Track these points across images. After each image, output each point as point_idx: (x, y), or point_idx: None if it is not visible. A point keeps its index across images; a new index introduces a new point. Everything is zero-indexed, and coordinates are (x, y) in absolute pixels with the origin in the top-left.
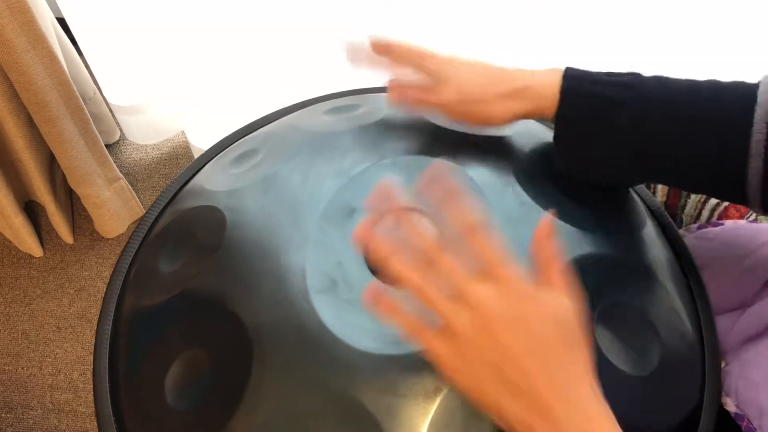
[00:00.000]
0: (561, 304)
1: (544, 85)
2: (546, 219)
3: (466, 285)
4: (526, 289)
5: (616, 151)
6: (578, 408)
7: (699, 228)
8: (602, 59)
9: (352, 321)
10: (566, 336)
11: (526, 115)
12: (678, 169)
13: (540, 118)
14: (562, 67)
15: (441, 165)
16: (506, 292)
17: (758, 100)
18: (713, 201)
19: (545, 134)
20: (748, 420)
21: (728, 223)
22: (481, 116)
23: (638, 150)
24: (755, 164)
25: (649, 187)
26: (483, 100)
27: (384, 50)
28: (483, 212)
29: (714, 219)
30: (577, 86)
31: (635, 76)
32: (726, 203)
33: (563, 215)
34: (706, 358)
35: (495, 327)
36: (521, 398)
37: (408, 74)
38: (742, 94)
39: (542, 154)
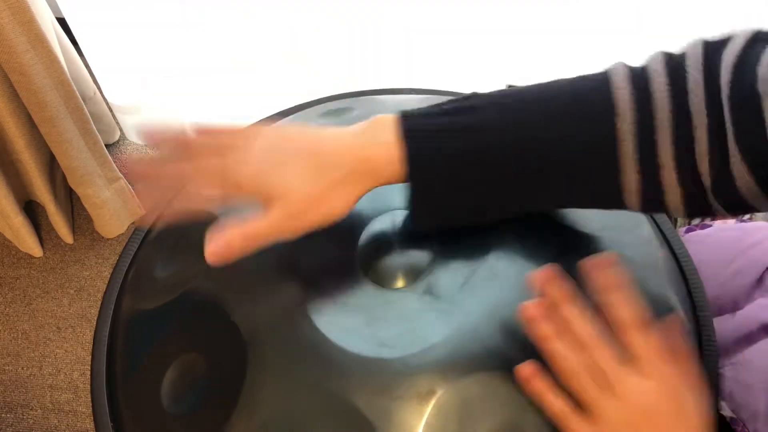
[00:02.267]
0: (700, 407)
1: (379, 153)
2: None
3: (619, 373)
4: (679, 390)
5: (481, 195)
6: None
7: (687, 231)
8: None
9: (346, 324)
10: (685, 418)
11: (373, 188)
12: (550, 194)
13: (389, 183)
14: (390, 119)
15: (606, 258)
16: (661, 389)
17: (619, 110)
18: None
19: None
20: (743, 423)
21: (717, 224)
22: (320, 217)
23: (502, 188)
24: (629, 179)
25: None
26: (315, 204)
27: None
28: (642, 309)
29: (708, 218)
30: (420, 141)
31: (473, 106)
32: None
33: (561, 216)
34: (704, 360)
35: (640, 421)
36: None
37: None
38: (602, 104)
39: None
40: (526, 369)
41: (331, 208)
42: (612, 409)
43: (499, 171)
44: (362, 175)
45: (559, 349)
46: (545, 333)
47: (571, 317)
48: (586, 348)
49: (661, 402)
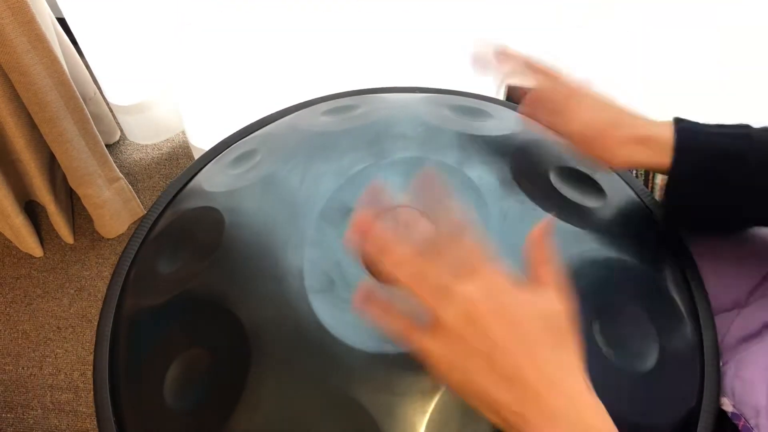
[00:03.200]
0: (549, 300)
1: (661, 136)
2: (545, 221)
3: (452, 281)
4: (511, 285)
5: (732, 203)
6: (569, 398)
7: None
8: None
9: (349, 320)
10: (554, 330)
11: (642, 165)
12: None
13: (653, 169)
14: (671, 120)
15: (433, 168)
16: (491, 287)
17: None
18: None
19: (542, 132)
20: (745, 419)
21: None
22: (602, 156)
23: (754, 201)
24: None
25: (647, 185)
26: (605, 142)
27: (512, 60)
28: (471, 214)
29: None
30: (692, 141)
31: (746, 128)
32: None
33: (564, 215)
34: (705, 359)
35: (482, 319)
36: (512, 388)
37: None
38: None
39: (542, 155)
40: (359, 295)
41: (611, 154)
42: (453, 314)
43: (753, 184)
44: (644, 146)
45: (389, 261)
46: (374, 247)
47: (401, 231)
48: (421, 259)
49: (498, 299)
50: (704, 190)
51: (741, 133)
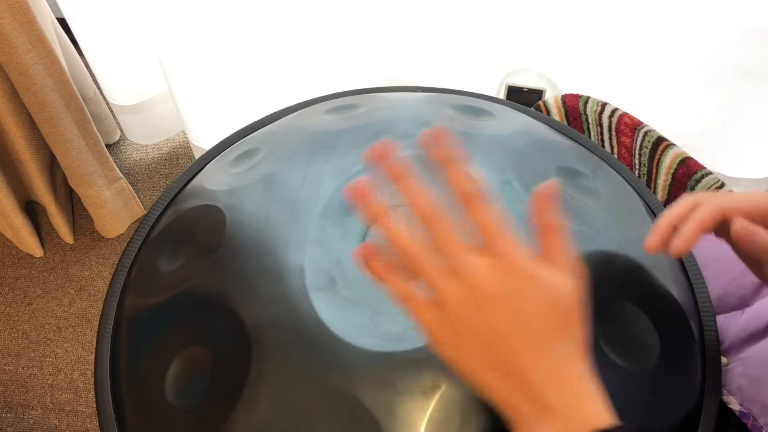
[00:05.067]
0: (558, 282)
1: None
2: (549, 183)
3: (460, 255)
4: (523, 265)
5: None
6: (566, 389)
7: None
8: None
9: (350, 318)
10: (560, 315)
11: None
12: None
13: None
14: None
15: (443, 128)
16: (502, 266)
17: None
18: None
19: (545, 132)
20: (754, 418)
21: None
22: None
23: None
24: None
25: (649, 185)
26: None
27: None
28: (482, 183)
29: None
30: None
31: None
32: None
33: (564, 213)
34: (706, 357)
35: (485, 303)
36: (507, 378)
37: None
38: None
39: (544, 154)
40: (363, 249)
41: None
42: (456, 293)
43: None
44: None
45: (391, 226)
46: (376, 210)
47: (407, 193)
48: (428, 227)
49: (505, 282)
50: None
51: None
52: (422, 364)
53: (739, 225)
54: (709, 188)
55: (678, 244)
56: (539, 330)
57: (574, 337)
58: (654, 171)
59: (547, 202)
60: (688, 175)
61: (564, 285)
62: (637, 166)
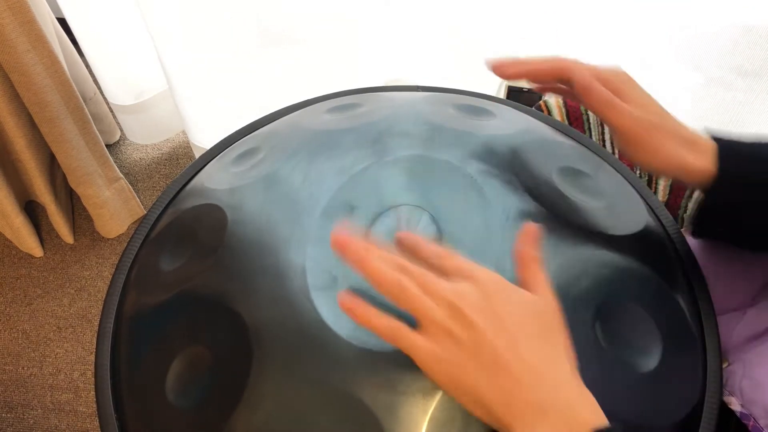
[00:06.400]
0: (536, 298)
1: (703, 141)
2: (531, 225)
3: (439, 283)
4: (500, 284)
5: (763, 227)
6: (555, 388)
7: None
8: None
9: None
10: (541, 323)
11: (683, 173)
12: None
13: (690, 182)
14: (708, 134)
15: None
16: (484, 285)
17: None
18: None
19: (546, 132)
20: (755, 419)
21: None
22: (647, 153)
23: None
24: None
25: (649, 185)
26: (652, 140)
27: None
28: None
29: None
30: (735, 164)
31: None
32: None
33: (565, 213)
34: (708, 358)
35: (468, 311)
36: (497, 379)
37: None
38: None
39: (545, 154)
40: (345, 299)
41: (663, 149)
42: (441, 313)
43: None
44: (693, 151)
45: (372, 268)
46: (357, 251)
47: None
48: (407, 264)
49: (486, 296)
50: (742, 212)
51: None
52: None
53: (579, 76)
54: None
55: (506, 66)
56: (522, 333)
57: (558, 343)
58: None
59: (527, 242)
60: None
61: (540, 301)
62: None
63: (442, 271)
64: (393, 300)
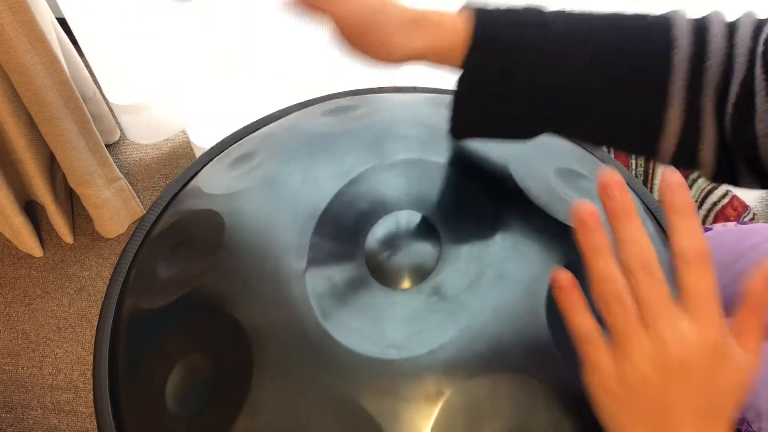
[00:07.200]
0: (744, 367)
1: (447, 17)
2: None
3: (663, 311)
4: (721, 342)
5: (526, 101)
6: None
7: None
8: None
9: (352, 324)
10: (733, 401)
11: (427, 54)
12: (591, 117)
13: (443, 61)
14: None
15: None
16: (701, 338)
17: (677, 43)
18: (710, 201)
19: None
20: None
21: (717, 227)
22: (375, 48)
23: (550, 99)
24: (673, 115)
25: (646, 185)
26: (375, 31)
27: None
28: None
29: (711, 218)
30: (490, 25)
31: (541, 15)
32: (723, 203)
33: (563, 212)
34: None
35: (671, 368)
36: None
37: None
38: (662, 36)
39: (541, 154)
40: (563, 276)
41: (388, 42)
42: (645, 349)
43: (552, 72)
44: (423, 28)
45: (602, 267)
46: (592, 245)
47: (625, 235)
48: (635, 273)
49: (701, 356)
50: (499, 83)
51: (541, 21)
52: (425, 371)
53: None
54: (705, 189)
55: None
56: (710, 409)
57: (731, 420)
58: (651, 171)
59: (763, 287)
60: (684, 175)
61: (747, 370)
62: (634, 167)
63: (680, 291)
64: (602, 305)
